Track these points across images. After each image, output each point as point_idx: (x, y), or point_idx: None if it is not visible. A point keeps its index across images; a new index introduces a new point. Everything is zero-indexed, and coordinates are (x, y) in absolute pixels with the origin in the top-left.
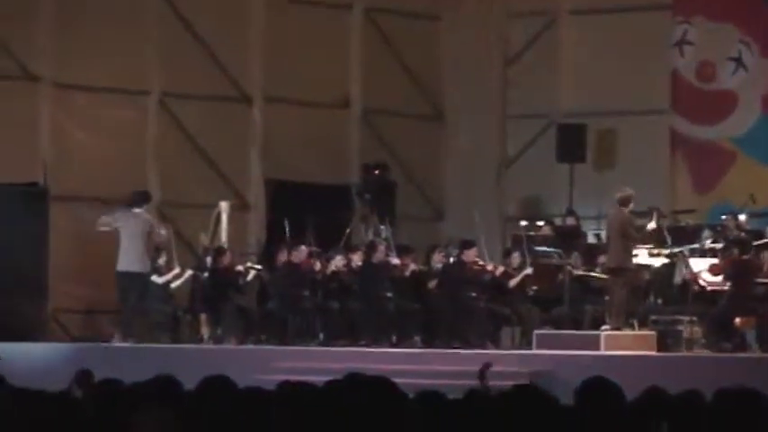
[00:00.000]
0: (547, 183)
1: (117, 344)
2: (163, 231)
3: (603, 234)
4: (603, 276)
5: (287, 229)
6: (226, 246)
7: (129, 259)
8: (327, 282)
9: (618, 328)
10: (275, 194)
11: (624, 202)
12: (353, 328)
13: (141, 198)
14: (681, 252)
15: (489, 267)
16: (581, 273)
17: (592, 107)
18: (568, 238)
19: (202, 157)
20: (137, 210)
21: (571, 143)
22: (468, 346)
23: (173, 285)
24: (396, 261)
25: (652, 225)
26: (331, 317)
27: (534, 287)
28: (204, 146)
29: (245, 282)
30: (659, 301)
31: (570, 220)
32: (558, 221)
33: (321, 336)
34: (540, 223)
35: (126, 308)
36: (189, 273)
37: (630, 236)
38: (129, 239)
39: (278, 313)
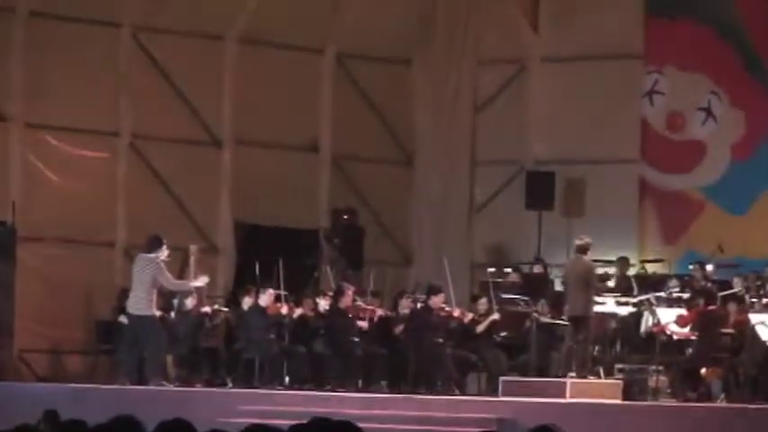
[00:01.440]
0: (515, 229)
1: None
2: (197, 283)
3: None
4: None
5: (257, 272)
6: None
7: (130, 302)
8: (294, 325)
9: (584, 377)
10: (244, 237)
11: (583, 250)
12: (320, 371)
13: (151, 244)
14: (648, 301)
15: (456, 313)
16: (548, 320)
17: (561, 155)
18: (535, 285)
19: (172, 199)
20: (148, 255)
21: (540, 190)
22: (434, 392)
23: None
24: (364, 306)
25: (615, 273)
26: (297, 360)
27: (501, 333)
28: (174, 188)
29: (212, 324)
30: (625, 349)
31: (537, 268)
32: (525, 269)
33: (287, 379)
34: (508, 270)
35: (135, 350)
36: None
37: (594, 285)
38: (134, 283)
39: (244, 355)
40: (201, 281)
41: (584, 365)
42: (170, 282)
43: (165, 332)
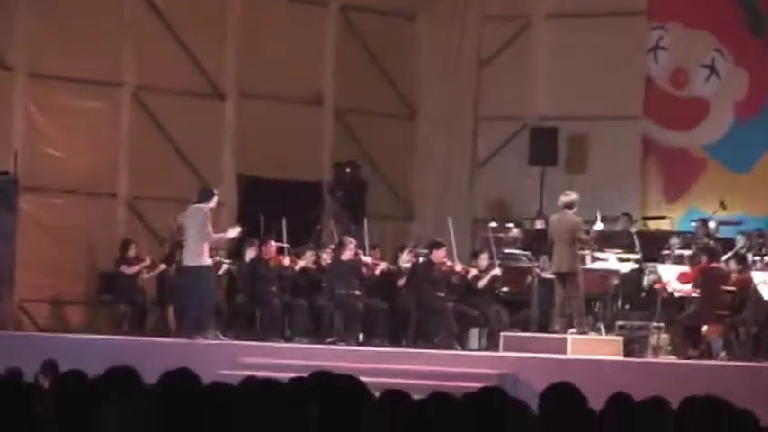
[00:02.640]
0: (518, 185)
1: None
2: (230, 234)
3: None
4: None
5: (261, 226)
6: None
7: (184, 254)
8: (296, 278)
9: (584, 333)
10: (247, 191)
11: (569, 205)
12: (321, 325)
13: (201, 194)
14: (650, 259)
15: (458, 268)
16: (549, 276)
17: (565, 111)
18: (537, 241)
19: (175, 151)
20: (197, 205)
21: (543, 146)
22: (435, 346)
23: (142, 277)
24: (366, 259)
25: (598, 227)
26: (299, 313)
27: (503, 289)
28: (177, 140)
29: (214, 276)
30: (627, 306)
31: (539, 224)
32: (527, 224)
33: (288, 332)
34: (510, 225)
35: (191, 302)
36: (161, 267)
37: (581, 239)
38: (186, 233)
39: (246, 308)
40: (235, 231)
41: (580, 321)
42: (210, 235)
43: (212, 284)
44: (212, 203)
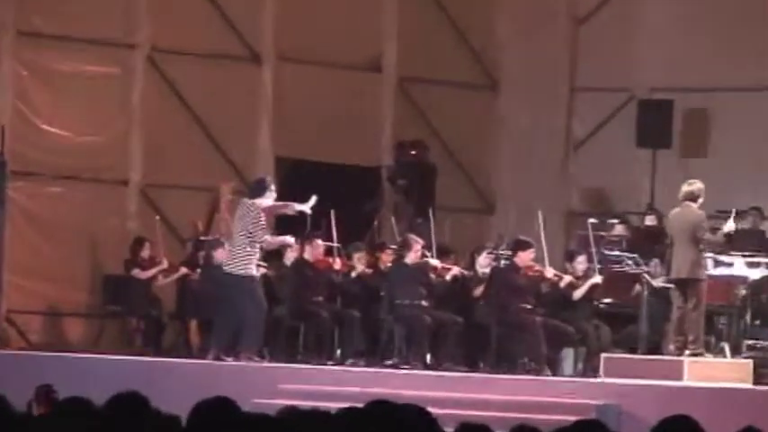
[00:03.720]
0: (623, 172)
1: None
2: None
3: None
4: None
5: (306, 220)
6: (224, 239)
7: (228, 258)
8: (349, 285)
9: (700, 354)
10: (288, 176)
11: (692, 197)
12: (379, 343)
13: (252, 186)
14: None
15: (549, 274)
16: (661, 284)
17: (681, 81)
18: (647, 240)
19: (199, 127)
20: (247, 201)
21: (654, 124)
22: (520, 371)
23: (158, 284)
24: (435, 263)
25: (729, 227)
26: (352, 329)
27: (604, 300)
28: (201, 114)
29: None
30: (757, 322)
31: (650, 219)
32: (634, 220)
33: (338, 352)
34: (613, 221)
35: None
36: (182, 271)
37: (705, 239)
38: (233, 237)
39: (286, 322)
40: (289, 241)
41: (697, 341)
42: (261, 239)
43: (261, 297)
44: (268, 199)
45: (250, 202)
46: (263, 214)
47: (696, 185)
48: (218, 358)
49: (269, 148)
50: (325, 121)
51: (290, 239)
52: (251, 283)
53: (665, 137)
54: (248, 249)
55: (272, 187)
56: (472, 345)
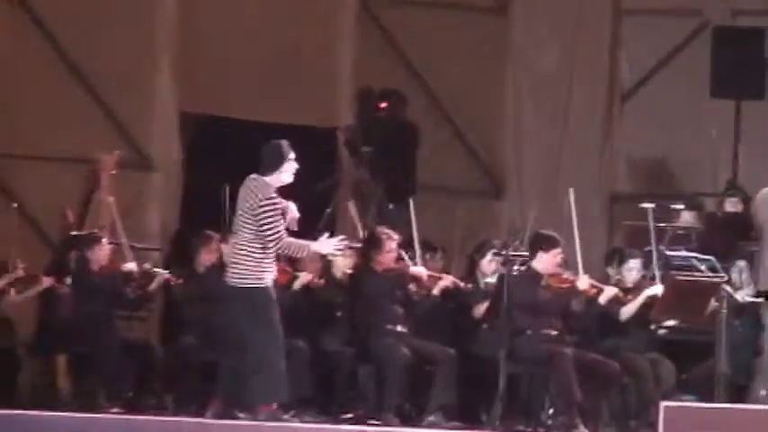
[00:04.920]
0: (692, 135)
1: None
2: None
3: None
4: None
5: (224, 205)
6: (103, 232)
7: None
8: (290, 303)
9: None
10: (199, 142)
11: None
12: (335, 387)
13: (267, 158)
14: None
15: (583, 285)
16: (750, 299)
17: None
18: (728, 234)
19: (69, 71)
20: (256, 178)
21: (737, 63)
22: (541, 426)
23: (8, 301)
24: (417, 270)
25: None
26: (296, 366)
27: (666, 322)
28: (69, 50)
29: (138, 295)
30: None
31: (732, 204)
32: (710, 205)
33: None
34: (679, 207)
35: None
36: (45, 283)
37: None
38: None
39: (198, 354)
40: (331, 245)
41: None
42: (278, 237)
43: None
44: (286, 175)
45: (259, 180)
46: (275, 203)
47: None
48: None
49: (171, 101)
50: (252, 62)
51: (313, 247)
52: (265, 298)
53: (753, 82)
54: (257, 253)
55: (292, 156)
56: (471, 388)
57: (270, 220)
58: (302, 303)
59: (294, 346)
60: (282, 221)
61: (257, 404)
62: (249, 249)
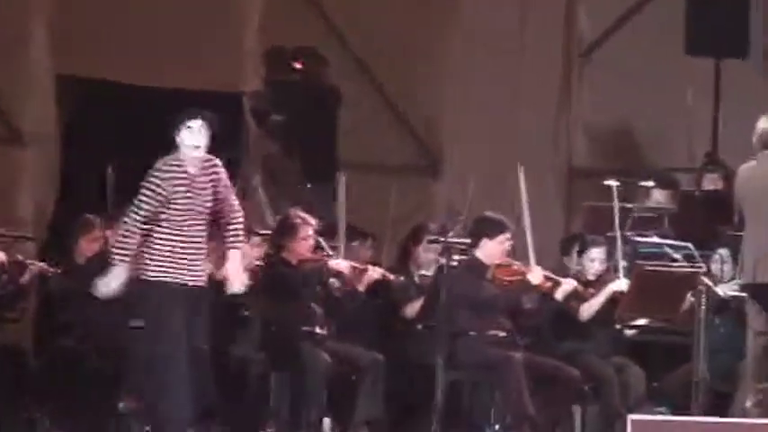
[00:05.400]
0: (663, 100)
1: None
2: None
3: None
4: None
5: (108, 187)
6: None
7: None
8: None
9: None
10: (81, 114)
11: None
12: (244, 399)
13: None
14: None
15: (536, 279)
16: (732, 293)
17: None
18: (707, 217)
19: None
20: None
21: (716, 15)
22: None
23: None
24: (338, 263)
25: None
26: (196, 374)
27: (634, 321)
28: None
29: (9, 292)
30: None
31: (711, 180)
32: (685, 182)
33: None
34: (648, 184)
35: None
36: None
37: None
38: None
39: (79, 360)
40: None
41: None
42: (127, 223)
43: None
44: (184, 147)
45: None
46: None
47: None
48: None
49: (46, 68)
50: (143, 19)
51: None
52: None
53: (734, 36)
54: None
55: (190, 124)
56: (403, 400)
57: (140, 196)
58: (201, 301)
59: (193, 350)
60: (156, 204)
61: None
62: (149, 237)
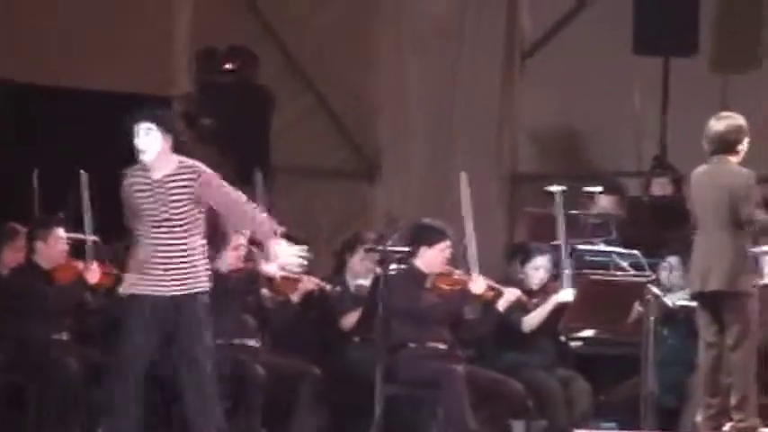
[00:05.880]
0: (610, 100)
1: None
2: None
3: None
4: None
5: (34, 192)
6: None
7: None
8: (114, 312)
9: (752, 428)
10: (5, 116)
11: (727, 144)
12: (173, 413)
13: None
14: None
15: (478, 288)
16: (681, 302)
17: None
18: (655, 223)
19: None
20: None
21: (665, 12)
22: None
23: None
24: (272, 271)
25: None
26: (125, 389)
27: (579, 334)
28: None
29: None
30: None
31: (660, 185)
32: (632, 187)
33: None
34: (595, 190)
35: None
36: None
37: (752, 220)
38: None
39: (6, 378)
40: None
41: (744, 404)
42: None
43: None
44: (139, 153)
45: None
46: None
47: (733, 122)
48: None
49: None
50: (71, 20)
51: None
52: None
53: (684, 35)
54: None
55: (136, 129)
56: (340, 416)
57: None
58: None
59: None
60: (129, 213)
61: None
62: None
